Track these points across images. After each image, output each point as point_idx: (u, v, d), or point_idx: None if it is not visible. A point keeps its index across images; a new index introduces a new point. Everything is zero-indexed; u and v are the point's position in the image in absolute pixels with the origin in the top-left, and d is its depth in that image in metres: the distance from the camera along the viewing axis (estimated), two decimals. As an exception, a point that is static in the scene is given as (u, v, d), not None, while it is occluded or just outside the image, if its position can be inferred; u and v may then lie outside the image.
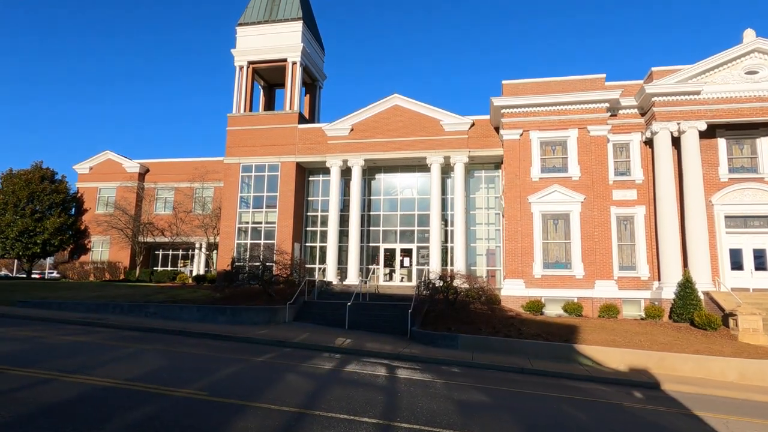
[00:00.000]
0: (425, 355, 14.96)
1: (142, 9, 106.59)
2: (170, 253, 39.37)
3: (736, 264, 22.82)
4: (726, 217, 22.98)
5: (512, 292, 23.40)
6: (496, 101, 24.97)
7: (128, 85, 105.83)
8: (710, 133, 23.19)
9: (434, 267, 27.60)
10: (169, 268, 38.58)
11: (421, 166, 30.18)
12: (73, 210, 39.24)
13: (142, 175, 38.83)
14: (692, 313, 19.47)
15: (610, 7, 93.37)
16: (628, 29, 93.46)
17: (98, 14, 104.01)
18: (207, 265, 36.96)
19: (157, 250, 39.35)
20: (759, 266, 22.63)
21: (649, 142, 24.27)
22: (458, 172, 28.48)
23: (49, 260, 51.93)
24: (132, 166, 38.67)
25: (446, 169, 29.58)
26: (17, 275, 57.00)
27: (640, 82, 24.64)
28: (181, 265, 39.36)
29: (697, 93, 22.65)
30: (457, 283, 21.18)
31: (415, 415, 7.55)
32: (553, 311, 22.35)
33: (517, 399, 9.87)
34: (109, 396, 7.61)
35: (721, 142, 23.52)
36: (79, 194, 39.36)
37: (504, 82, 25.60)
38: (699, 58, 21.88)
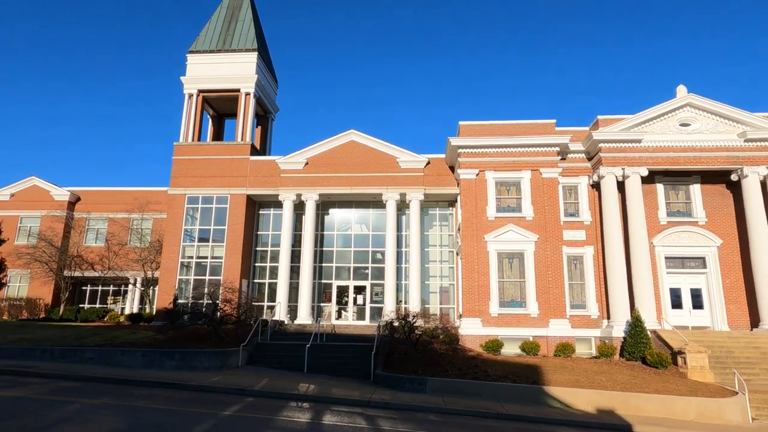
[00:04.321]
0: (397, 402, 14.37)
1: (80, 29, 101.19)
2: (99, 288, 36.25)
3: (676, 303, 24.18)
4: (666, 258, 24.42)
5: (470, 331, 23.35)
6: (454, 141, 25.49)
7: (62, 113, 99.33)
8: (650, 178, 24.79)
9: (389, 305, 27.14)
10: (97, 306, 35.45)
11: (375, 202, 30.03)
12: (-12, 240, 35.37)
13: (72, 204, 35.91)
14: (643, 352, 20.22)
15: (560, 66, 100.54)
16: (573, 84, 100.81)
17: (29, 33, 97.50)
18: (142, 302, 34.35)
19: (85, 286, 36.12)
20: (696, 305, 24.10)
21: (595, 185, 25.56)
22: (414, 210, 28.57)
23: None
24: (61, 194, 35.71)
25: (401, 206, 29.59)
26: None
27: (587, 128, 26.10)
28: (111, 301, 36.31)
29: (639, 141, 24.27)
30: (418, 322, 20.84)
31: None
32: (511, 350, 22.46)
33: (513, 451, 9.55)
34: (72, 471, 6.48)
35: (660, 187, 25.20)
36: (-5, 223, 35.60)
37: (461, 123, 26.28)
38: (639, 108, 23.53)
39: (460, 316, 25.12)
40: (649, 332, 21.09)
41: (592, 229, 25.36)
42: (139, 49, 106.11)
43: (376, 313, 28.73)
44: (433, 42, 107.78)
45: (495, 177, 25.39)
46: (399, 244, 29.49)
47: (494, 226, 24.76)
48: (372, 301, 29.54)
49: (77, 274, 33.79)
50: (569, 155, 25.90)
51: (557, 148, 25.14)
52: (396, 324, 21.13)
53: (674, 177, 25.10)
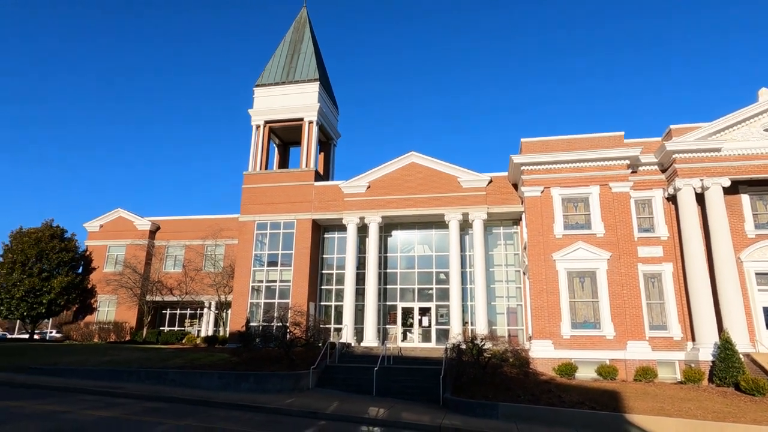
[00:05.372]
0: (468, 428, 14.07)
1: (154, 70, 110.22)
2: (178, 312, 38.33)
3: (772, 323, 22.16)
4: (756, 274, 22.55)
5: (542, 353, 22.52)
6: (516, 158, 25.09)
7: (141, 147, 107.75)
8: (733, 189, 23.17)
9: (455, 327, 26.85)
10: (176, 328, 37.48)
11: (438, 223, 29.98)
12: (81, 268, 38.56)
13: (152, 233, 38.45)
14: (736, 377, 18.66)
15: (623, 73, 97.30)
16: (634, 92, 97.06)
17: (110, 76, 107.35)
18: (216, 324, 35.91)
19: (164, 310, 38.33)
20: (795, 325, 21.97)
21: (671, 198, 24.20)
22: (477, 229, 28.23)
23: (49, 320, 50.56)
24: (143, 223, 38.36)
25: (464, 226, 29.33)
26: (18, 336, 55.46)
27: (659, 139, 24.90)
28: (188, 324, 38.25)
29: (718, 150, 22.81)
30: (487, 345, 20.37)
31: None
32: (586, 374, 21.42)
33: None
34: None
35: (745, 198, 23.47)
36: (87, 252, 38.80)
37: (523, 140, 25.85)
38: (703, 116, 22.13)
39: (530, 338, 24.34)
40: (741, 356, 19.46)
41: (670, 244, 23.94)
42: (214, 90, 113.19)
43: (442, 334, 28.43)
44: (490, 61, 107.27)
45: (561, 193, 24.66)
46: (463, 265, 29.15)
47: (562, 244, 23.96)
48: (437, 323, 29.27)
49: (158, 298, 35.97)
50: (640, 168, 24.74)
51: (627, 161, 24.10)
52: (463, 347, 20.75)
53: (761, 186, 23.31)
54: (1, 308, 35.02)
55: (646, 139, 25.11)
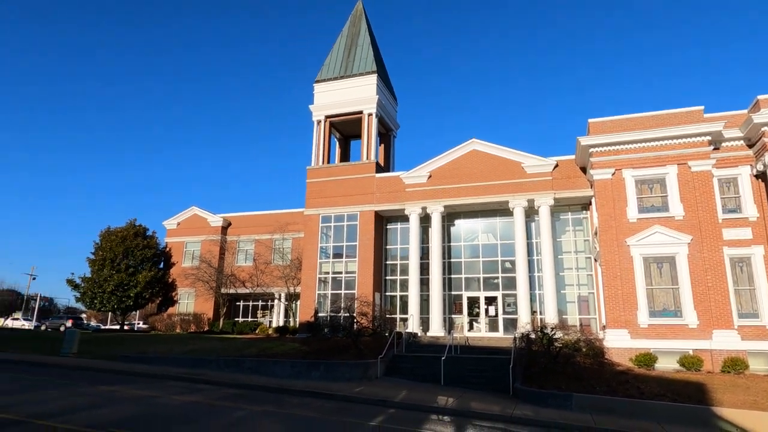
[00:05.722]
0: (541, 418, 13.73)
1: (220, 74, 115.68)
2: (250, 304, 40.13)
3: None
4: None
5: (617, 343, 21.56)
6: (584, 140, 24.02)
7: (213, 148, 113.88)
8: (834, 162, 20.97)
9: (523, 316, 26.24)
10: (249, 319, 39.25)
11: (502, 211, 29.33)
12: (162, 264, 41.22)
13: (224, 229, 40.38)
14: (842, 369, 16.98)
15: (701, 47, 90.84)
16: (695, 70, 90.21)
17: (179, 82, 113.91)
18: (286, 315, 37.25)
19: (238, 301, 40.24)
20: None
21: (760, 176, 22.28)
22: (543, 215, 27.36)
23: (136, 312, 54.54)
24: (216, 220, 40.37)
25: (529, 213, 28.53)
26: (110, 327, 60.33)
27: (744, 112, 22.96)
28: (260, 315, 39.94)
29: (815, 120, 20.70)
30: (557, 334, 19.77)
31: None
32: (667, 365, 20.28)
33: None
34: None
35: None
36: (167, 249, 41.41)
37: (590, 120, 24.69)
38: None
39: (604, 327, 23.37)
40: None
41: (760, 225, 22.08)
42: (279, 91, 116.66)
43: (510, 324, 27.91)
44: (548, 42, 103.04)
45: (634, 175, 23.37)
46: (530, 253, 28.41)
47: (637, 228, 22.74)
48: (504, 312, 28.74)
49: (232, 291, 37.81)
50: (723, 144, 22.94)
51: (708, 138, 22.41)
52: (533, 336, 20.30)
53: None
54: (95, 301, 38.20)
55: (728, 113, 23.24)
